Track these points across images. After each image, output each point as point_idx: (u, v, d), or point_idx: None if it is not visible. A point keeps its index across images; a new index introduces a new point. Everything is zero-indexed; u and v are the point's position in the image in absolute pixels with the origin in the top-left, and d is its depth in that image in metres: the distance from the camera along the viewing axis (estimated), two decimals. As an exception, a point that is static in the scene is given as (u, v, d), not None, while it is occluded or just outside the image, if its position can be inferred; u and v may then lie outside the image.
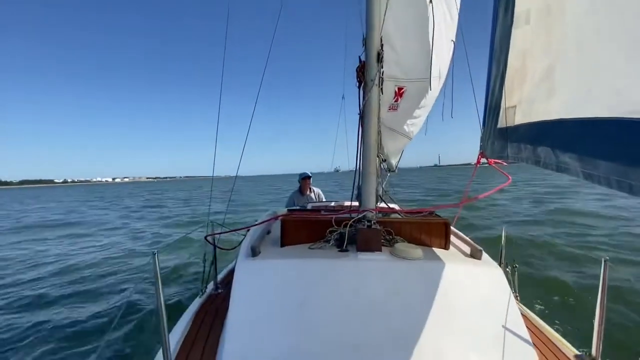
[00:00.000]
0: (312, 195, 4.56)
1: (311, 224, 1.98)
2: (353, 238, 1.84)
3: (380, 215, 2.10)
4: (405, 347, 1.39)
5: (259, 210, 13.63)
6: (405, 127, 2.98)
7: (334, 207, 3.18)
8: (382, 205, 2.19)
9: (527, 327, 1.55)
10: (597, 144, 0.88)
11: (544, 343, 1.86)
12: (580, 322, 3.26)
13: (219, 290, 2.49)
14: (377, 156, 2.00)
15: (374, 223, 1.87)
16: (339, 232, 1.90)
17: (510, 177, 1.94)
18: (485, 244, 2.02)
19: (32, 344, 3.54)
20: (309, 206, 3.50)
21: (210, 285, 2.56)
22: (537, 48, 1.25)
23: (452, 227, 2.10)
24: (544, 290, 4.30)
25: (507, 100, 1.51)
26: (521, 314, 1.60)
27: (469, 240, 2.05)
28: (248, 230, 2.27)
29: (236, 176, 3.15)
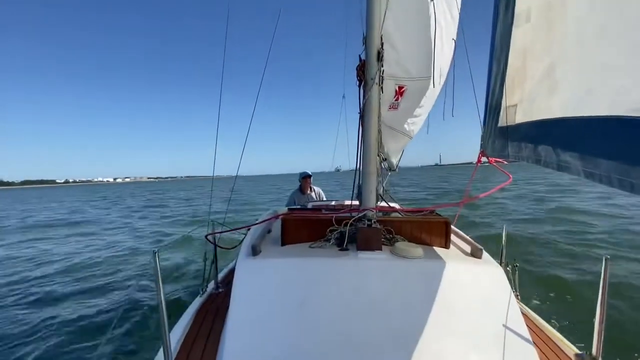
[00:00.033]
0: (313, 194, 4.56)
1: (311, 223, 1.98)
2: (353, 237, 1.84)
3: (380, 214, 2.09)
4: (405, 345, 1.39)
5: (259, 209, 13.64)
6: (405, 126, 2.96)
7: (334, 206, 3.18)
8: (383, 204, 2.18)
9: (527, 326, 1.55)
10: (598, 142, 0.88)
11: (544, 342, 1.86)
12: (581, 321, 3.26)
13: (220, 289, 2.50)
14: (378, 155, 1.99)
15: (374, 222, 1.86)
16: (339, 231, 1.90)
17: (510, 175, 1.93)
18: (486, 243, 2.02)
19: (41, 338, 3.63)
20: (310, 205, 3.49)
21: (211, 284, 2.56)
22: (538, 46, 1.25)
23: (452, 226, 2.10)
24: (544, 288, 4.30)
25: (507, 99, 1.51)
26: (522, 313, 1.60)
27: (470, 239, 2.05)
28: (248, 229, 2.27)
29: (236, 176, 3.16)
